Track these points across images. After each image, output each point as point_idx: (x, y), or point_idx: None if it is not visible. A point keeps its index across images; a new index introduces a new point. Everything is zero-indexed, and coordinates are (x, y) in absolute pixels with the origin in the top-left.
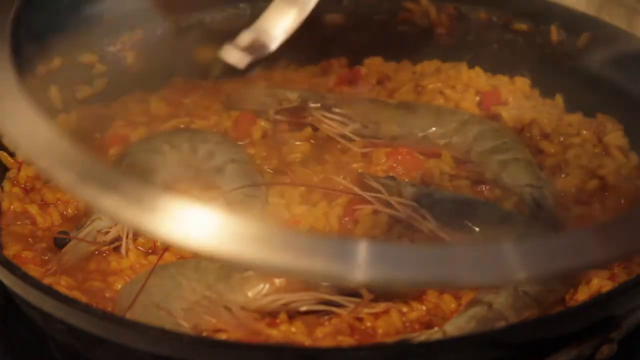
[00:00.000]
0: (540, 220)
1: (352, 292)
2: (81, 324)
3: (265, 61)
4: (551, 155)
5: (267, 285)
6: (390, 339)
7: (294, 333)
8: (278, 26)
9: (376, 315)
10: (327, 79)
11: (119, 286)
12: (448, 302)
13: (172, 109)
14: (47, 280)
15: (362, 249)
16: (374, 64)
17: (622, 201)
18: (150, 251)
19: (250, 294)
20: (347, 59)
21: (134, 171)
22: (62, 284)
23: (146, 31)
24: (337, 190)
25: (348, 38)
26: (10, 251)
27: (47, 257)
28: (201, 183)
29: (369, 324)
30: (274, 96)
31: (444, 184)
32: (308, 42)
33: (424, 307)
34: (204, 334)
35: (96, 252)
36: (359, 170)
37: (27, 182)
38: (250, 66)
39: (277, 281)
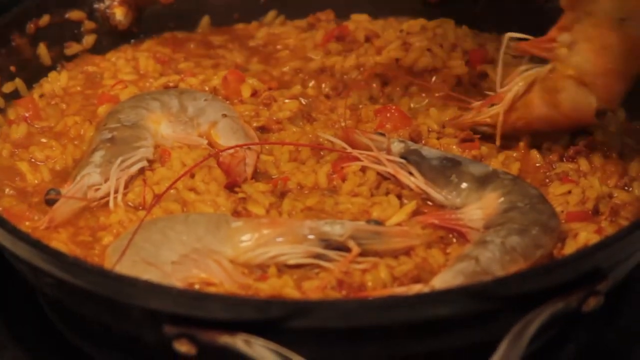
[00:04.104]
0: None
1: (341, 247)
2: (70, 277)
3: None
4: None
5: (256, 236)
6: (378, 293)
7: (283, 287)
8: None
9: (364, 270)
10: (314, 34)
11: (108, 241)
12: (436, 257)
13: (161, 66)
14: (37, 236)
15: None
16: (361, 21)
17: (613, 156)
18: (140, 207)
19: (238, 245)
20: (333, 13)
21: (125, 127)
22: (53, 240)
23: None
24: (325, 147)
25: None
26: (1, 206)
27: (37, 214)
28: (193, 141)
29: (357, 278)
30: None
31: (431, 142)
32: None
33: (412, 262)
34: (195, 287)
35: (87, 208)
36: (348, 125)
37: (17, 140)
38: None
39: (266, 232)
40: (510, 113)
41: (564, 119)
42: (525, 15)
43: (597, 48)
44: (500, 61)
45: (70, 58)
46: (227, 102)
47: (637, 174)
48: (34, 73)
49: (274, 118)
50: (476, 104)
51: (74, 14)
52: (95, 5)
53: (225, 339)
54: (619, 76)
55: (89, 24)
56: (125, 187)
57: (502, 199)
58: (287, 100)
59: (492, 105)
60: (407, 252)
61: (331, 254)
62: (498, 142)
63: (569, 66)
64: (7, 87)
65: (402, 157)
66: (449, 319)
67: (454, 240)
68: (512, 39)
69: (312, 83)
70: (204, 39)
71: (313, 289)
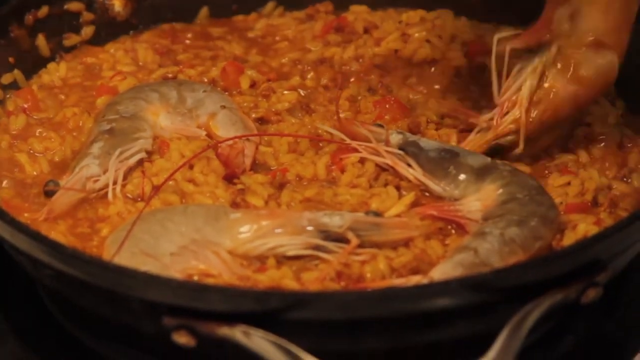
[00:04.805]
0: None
1: (340, 238)
2: (69, 269)
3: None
4: None
5: (255, 227)
6: (377, 285)
7: (282, 278)
8: None
9: (363, 261)
10: (313, 25)
11: (106, 232)
12: (435, 248)
13: (160, 57)
14: (37, 228)
15: None
16: (359, 12)
17: (612, 147)
18: (139, 198)
19: (237, 236)
20: (332, 4)
21: (123, 118)
22: (52, 231)
23: None
24: (324, 139)
25: None
26: (0, 198)
27: (36, 205)
28: (192, 132)
29: (356, 270)
30: None
31: (430, 133)
32: None
33: (410, 253)
34: (194, 278)
35: (85, 200)
36: (347, 117)
37: (16, 131)
38: None
39: (264, 223)
40: (532, 110)
41: (590, 91)
42: (524, 5)
43: (602, 7)
44: (493, 67)
45: (69, 49)
46: (226, 93)
47: (636, 165)
48: (32, 64)
49: (273, 109)
50: (485, 118)
51: (73, 5)
52: None
53: (224, 331)
54: (627, 25)
55: (87, 15)
56: (124, 178)
57: (500, 190)
58: (285, 92)
59: (507, 113)
60: (406, 243)
61: (330, 245)
62: (521, 146)
63: (583, 34)
64: (6, 79)
65: (400, 148)
66: (447, 310)
67: (453, 231)
68: (500, 39)
69: (310, 74)
70: (203, 31)
71: (312, 280)
